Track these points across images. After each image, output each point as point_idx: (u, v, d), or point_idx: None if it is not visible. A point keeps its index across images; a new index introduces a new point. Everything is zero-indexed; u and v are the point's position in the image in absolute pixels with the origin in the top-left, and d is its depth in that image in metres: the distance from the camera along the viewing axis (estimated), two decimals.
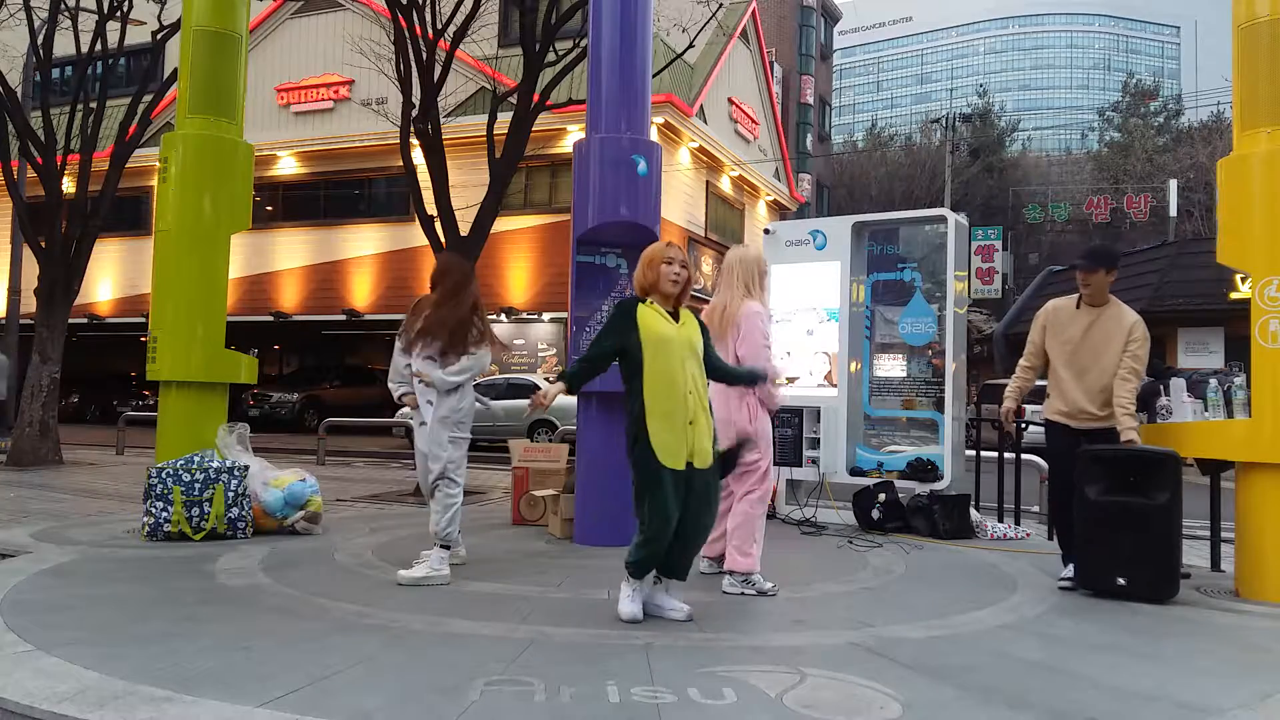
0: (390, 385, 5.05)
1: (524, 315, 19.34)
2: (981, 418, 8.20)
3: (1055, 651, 3.59)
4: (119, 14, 11.57)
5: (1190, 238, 25.92)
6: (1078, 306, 4.91)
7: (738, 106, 24.38)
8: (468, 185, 11.60)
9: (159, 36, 11.92)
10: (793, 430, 7.03)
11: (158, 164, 6.41)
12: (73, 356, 12.89)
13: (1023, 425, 6.84)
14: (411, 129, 9.38)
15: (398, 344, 4.98)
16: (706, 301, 5.18)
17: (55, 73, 18.47)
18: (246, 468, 5.88)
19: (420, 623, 3.77)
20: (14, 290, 13.85)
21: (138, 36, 13.13)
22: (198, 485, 5.62)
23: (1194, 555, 5.81)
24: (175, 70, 7.69)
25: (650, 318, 3.89)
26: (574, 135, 15.64)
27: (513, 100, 9.65)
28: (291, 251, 21.65)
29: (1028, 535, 6.56)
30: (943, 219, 7.02)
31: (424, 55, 9.22)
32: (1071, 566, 4.74)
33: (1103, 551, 4.52)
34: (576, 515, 5.87)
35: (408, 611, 3.94)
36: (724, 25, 21.39)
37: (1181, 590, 4.56)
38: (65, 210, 11.21)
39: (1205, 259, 16.26)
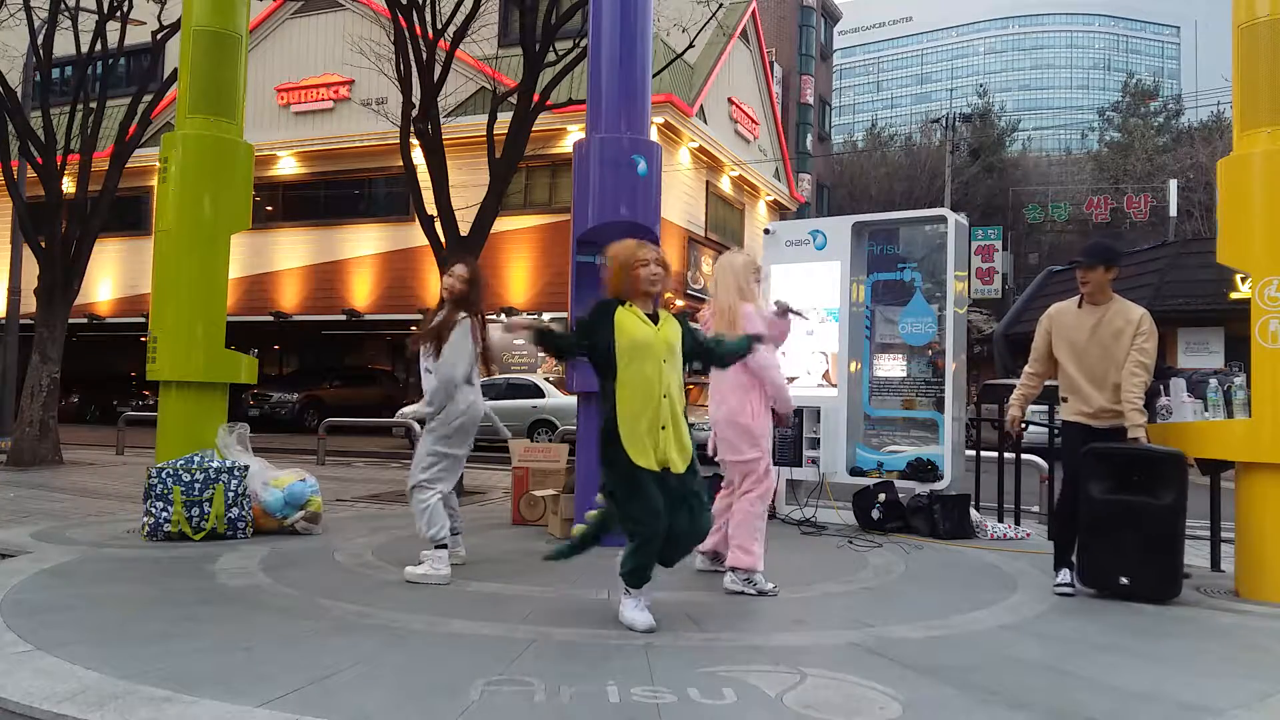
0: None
1: (524, 315, 19.34)
2: (981, 418, 8.20)
3: (1055, 651, 3.59)
4: (119, 14, 11.57)
5: (1190, 238, 25.90)
6: (1079, 307, 4.86)
7: (738, 106, 24.37)
8: (468, 185, 11.59)
9: (159, 36, 11.91)
10: (793, 430, 7.03)
11: (158, 164, 6.40)
12: (73, 356, 12.89)
13: (1023, 425, 6.83)
14: (411, 129, 9.38)
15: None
16: (704, 301, 5.17)
17: (55, 73, 18.45)
18: (246, 468, 5.88)
19: (420, 623, 3.77)
20: (14, 290, 13.84)
21: (138, 36, 13.11)
22: (198, 485, 5.61)
23: (1194, 555, 5.80)
24: (175, 70, 7.68)
25: (629, 321, 3.82)
26: (574, 135, 15.63)
27: (513, 100, 9.65)
28: (291, 251, 21.65)
29: (1028, 535, 6.56)
30: (943, 219, 7.02)
31: (424, 55, 9.22)
32: (1066, 573, 4.67)
33: (1106, 551, 4.50)
34: (576, 515, 5.86)
35: (408, 611, 3.93)
36: (724, 25, 21.37)
37: (1182, 590, 4.55)
38: (65, 210, 11.21)
39: (1205, 259, 16.25)
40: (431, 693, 2.93)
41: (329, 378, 22.31)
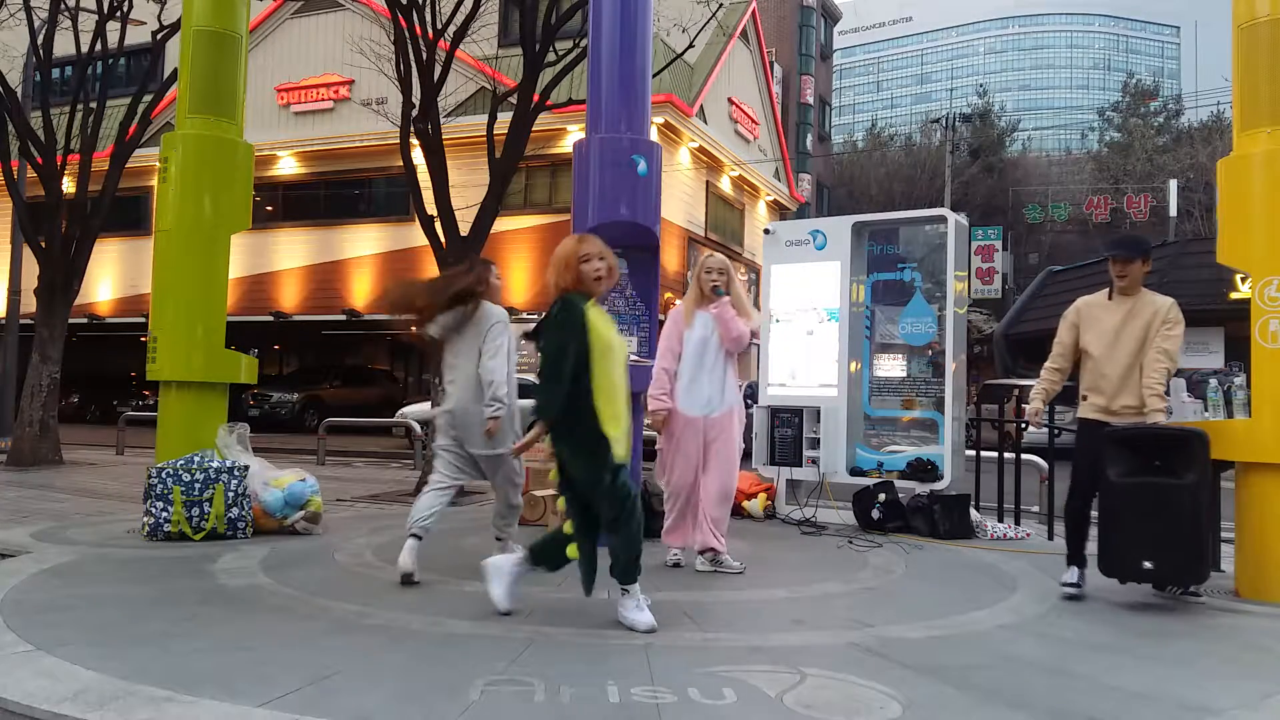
0: None
1: (524, 315, 19.32)
2: (981, 418, 8.20)
3: (1055, 651, 3.59)
4: (119, 14, 11.57)
5: (1190, 238, 25.92)
6: (1110, 299, 4.80)
7: (738, 106, 24.37)
8: (468, 185, 11.58)
9: (159, 36, 11.91)
10: (793, 430, 7.03)
11: (158, 164, 6.41)
12: (73, 356, 12.88)
13: (1023, 425, 6.83)
14: (411, 129, 9.38)
15: None
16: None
17: (55, 73, 18.45)
18: (246, 468, 5.88)
19: (420, 623, 3.77)
20: (14, 290, 13.84)
21: (138, 36, 13.12)
22: (198, 485, 5.61)
23: None
24: (175, 70, 7.69)
25: (599, 320, 3.82)
26: (574, 135, 15.62)
27: (513, 100, 9.65)
28: (291, 251, 21.65)
29: (1028, 535, 6.56)
30: (943, 219, 7.02)
31: (424, 55, 9.21)
32: (1075, 571, 4.63)
33: (1127, 536, 4.34)
34: None
35: (408, 611, 3.93)
36: (724, 25, 21.38)
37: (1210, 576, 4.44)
38: (65, 210, 11.20)
39: (1205, 259, 16.25)
40: (431, 693, 2.93)
41: (329, 378, 22.30)
